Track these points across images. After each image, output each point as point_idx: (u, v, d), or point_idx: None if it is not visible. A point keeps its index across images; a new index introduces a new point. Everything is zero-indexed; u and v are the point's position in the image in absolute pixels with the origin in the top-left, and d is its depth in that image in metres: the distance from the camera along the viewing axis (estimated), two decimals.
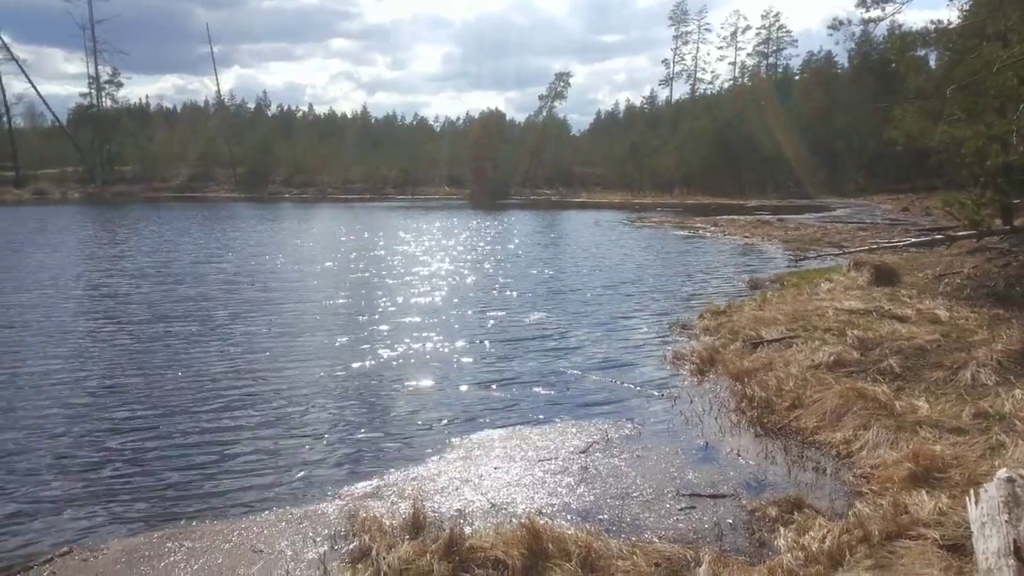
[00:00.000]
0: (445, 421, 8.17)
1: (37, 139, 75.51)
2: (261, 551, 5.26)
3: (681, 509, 5.86)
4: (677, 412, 8.31)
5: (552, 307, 14.94)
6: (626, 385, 9.42)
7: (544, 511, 5.75)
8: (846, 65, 76.28)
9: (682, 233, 33.86)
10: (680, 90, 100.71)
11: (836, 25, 16.95)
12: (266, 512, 5.93)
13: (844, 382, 8.03)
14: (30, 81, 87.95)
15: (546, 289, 17.40)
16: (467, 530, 5.27)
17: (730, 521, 5.62)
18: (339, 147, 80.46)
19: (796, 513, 5.51)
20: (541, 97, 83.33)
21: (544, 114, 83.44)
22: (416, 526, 5.37)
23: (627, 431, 7.73)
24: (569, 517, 5.70)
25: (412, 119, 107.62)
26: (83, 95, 71.65)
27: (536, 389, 9.31)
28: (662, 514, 5.78)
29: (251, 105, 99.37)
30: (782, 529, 5.27)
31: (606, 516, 5.74)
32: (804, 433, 7.33)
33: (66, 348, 11.33)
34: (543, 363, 10.61)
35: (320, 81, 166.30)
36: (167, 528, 5.72)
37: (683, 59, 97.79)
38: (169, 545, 5.39)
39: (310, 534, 5.50)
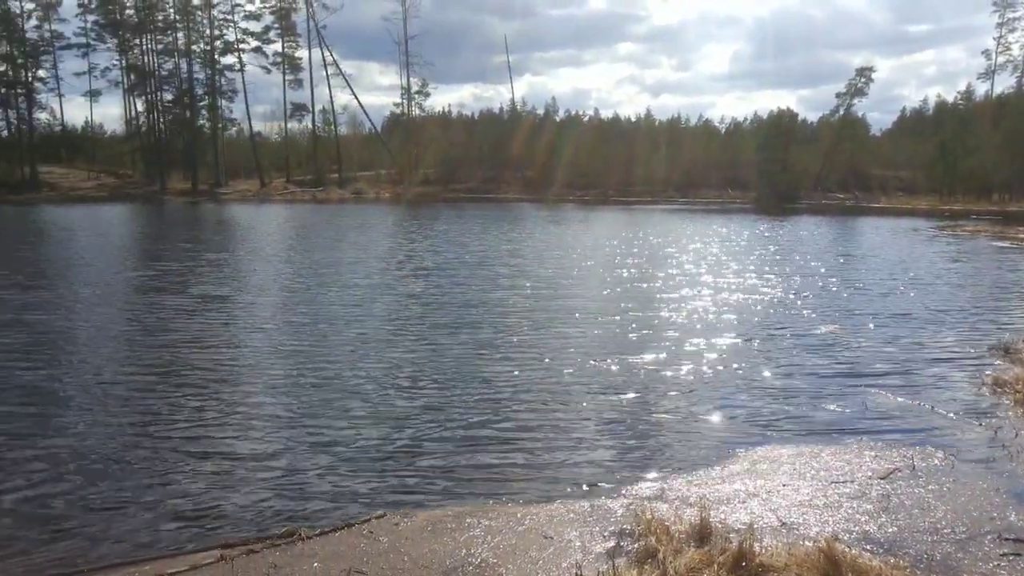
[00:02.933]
0: (730, 430, 8.00)
1: (357, 145, 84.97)
2: (551, 538, 5.51)
3: (1003, 555, 5.22)
4: (998, 445, 7.41)
5: (847, 320, 13.98)
6: (935, 410, 8.57)
7: (840, 537, 5.41)
8: None
9: (1002, 244, 30.03)
10: (1003, 83, 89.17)
11: None
12: (556, 502, 6.20)
13: None
14: (353, 93, 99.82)
15: (841, 301, 16.32)
16: (756, 546, 5.11)
17: None
18: (621, 150, 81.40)
19: None
20: (838, 95, 77.89)
21: (841, 113, 77.93)
22: (702, 535, 5.32)
23: (936, 460, 7.03)
24: (869, 547, 5.31)
25: (696, 121, 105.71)
26: (396, 104, 79.78)
27: (829, 405, 8.78)
28: (980, 558, 5.19)
29: (540, 111, 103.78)
30: None
31: (912, 552, 5.27)
32: None
33: (374, 344, 12.67)
34: (835, 378, 9.98)
35: (606, 85, 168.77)
36: (467, 505, 6.20)
37: (1008, 49, 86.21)
38: (469, 520, 5.83)
39: (596, 528, 5.66)
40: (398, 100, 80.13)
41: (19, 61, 70.51)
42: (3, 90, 70.36)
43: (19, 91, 70.87)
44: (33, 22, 71.44)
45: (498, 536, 5.55)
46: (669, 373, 10.24)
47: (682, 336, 12.52)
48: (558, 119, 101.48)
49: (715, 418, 8.40)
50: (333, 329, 12.83)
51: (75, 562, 5.27)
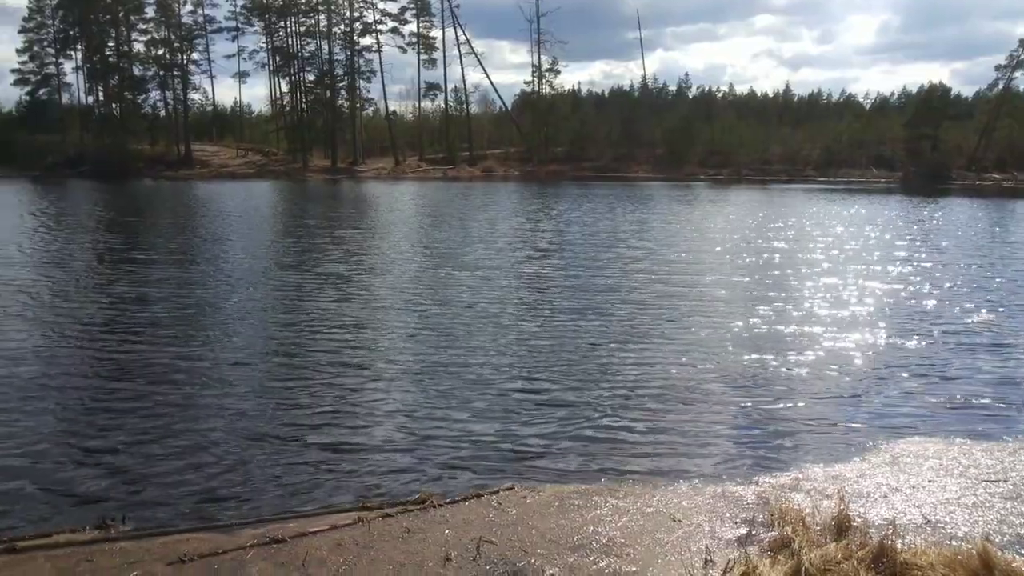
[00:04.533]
0: (871, 422, 7.65)
1: (487, 123, 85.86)
2: (679, 521, 5.45)
3: None
4: None
5: (1005, 312, 13.04)
6: None
7: (992, 539, 5.09)
8: None
9: None
10: None
11: None
12: (684, 484, 6.13)
13: None
14: (485, 72, 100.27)
15: (1000, 291, 15.22)
16: (898, 543, 4.87)
17: None
18: (757, 127, 78.55)
19: None
20: (997, 67, 71.94)
21: (1000, 87, 72.14)
22: (840, 527, 5.13)
23: None
24: None
25: (839, 96, 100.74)
26: (526, 83, 79.96)
27: (981, 399, 8.25)
28: None
29: (672, 87, 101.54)
30: None
31: None
32: None
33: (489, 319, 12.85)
34: (989, 372, 9.35)
35: (741, 60, 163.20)
36: (594, 483, 6.22)
37: None
38: (596, 499, 5.85)
39: (727, 515, 5.55)
40: (528, 78, 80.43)
41: (175, 45, 75.14)
42: (161, 73, 75.28)
43: (175, 73, 75.59)
44: (188, 8, 76.02)
45: (625, 516, 5.54)
46: (807, 362, 9.88)
47: (822, 325, 12.04)
48: (691, 95, 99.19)
49: (856, 409, 8.06)
50: (457, 310, 13.06)
51: (227, 516, 5.67)
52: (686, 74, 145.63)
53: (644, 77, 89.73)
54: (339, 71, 77.03)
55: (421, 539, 5.21)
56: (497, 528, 5.37)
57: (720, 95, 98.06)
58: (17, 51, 75.15)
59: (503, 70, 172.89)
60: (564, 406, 8.07)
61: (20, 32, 75.02)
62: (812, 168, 71.97)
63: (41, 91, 76.52)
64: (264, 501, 5.93)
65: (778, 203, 40.46)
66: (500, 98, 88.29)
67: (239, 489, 6.13)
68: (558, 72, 78.69)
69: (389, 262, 18.25)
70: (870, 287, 15.30)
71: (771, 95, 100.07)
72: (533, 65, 78.22)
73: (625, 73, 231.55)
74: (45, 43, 75.47)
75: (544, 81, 78.04)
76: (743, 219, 30.62)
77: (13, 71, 75.52)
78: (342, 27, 76.69)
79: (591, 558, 4.94)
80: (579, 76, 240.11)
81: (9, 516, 5.65)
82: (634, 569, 4.80)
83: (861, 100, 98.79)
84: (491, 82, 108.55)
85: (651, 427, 7.49)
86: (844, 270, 17.48)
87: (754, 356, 9.97)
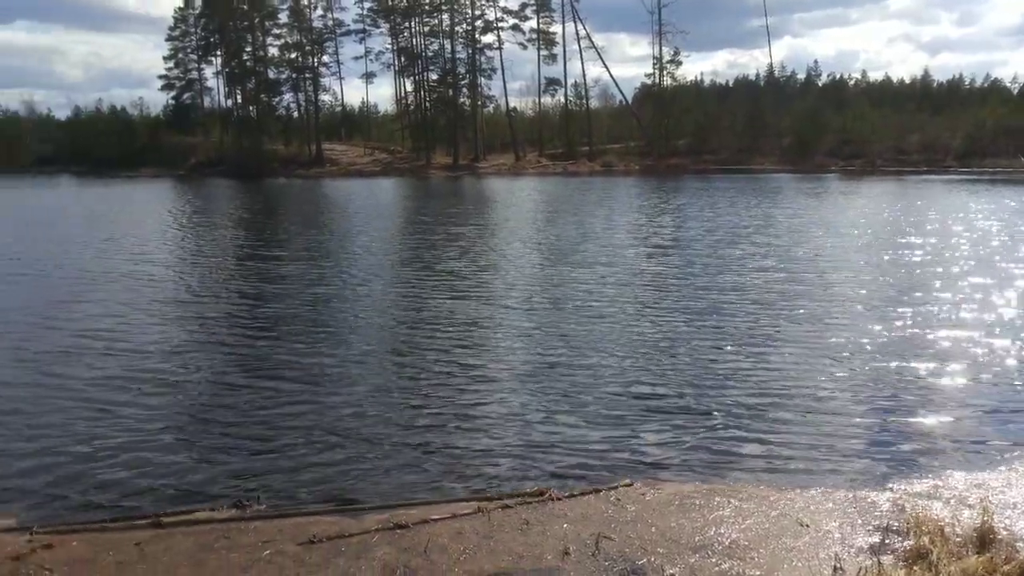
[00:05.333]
0: (1018, 431, 7.14)
1: (607, 117, 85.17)
2: (807, 526, 5.26)
3: None
4: None
5: None
6: None
7: None
8: None
9: None
10: None
11: None
12: (812, 488, 5.90)
13: None
14: (605, 66, 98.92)
15: None
16: None
17: None
18: (892, 115, 74.43)
19: None
20: None
21: None
22: (983, 539, 4.82)
23: None
24: None
25: (983, 81, 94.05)
26: (647, 75, 78.82)
27: None
28: None
29: (800, 76, 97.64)
30: None
31: None
32: None
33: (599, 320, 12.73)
34: None
35: (875, 46, 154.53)
36: (716, 483, 6.09)
37: None
38: (718, 499, 5.72)
39: (858, 521, 5.31)
40: (649, 70, 79.08)
41: (307, 49, 78.34)
42: (294, 76, 78.71)
43: (307, 76, 78.83)
44: (318, 12, 79.12)
45: (749, 518, 5.39)
46: (949, 368, 9.28)
47: (966, 328, 11.31)
48: (820, 84, 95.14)
49: (1002, 418, 7.54)
50: (572, 309, 12.95)
51: (352, 501, 5.90)
52: (815, 61, 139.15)
53: (770, 65, 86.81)
54: (461, 69, 78.34)
55: (540, 532, 5.25)
56: (616, 524, 5.33)
57: (852, 82, 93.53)
58: (164, 58, 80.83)
59: (623, 63, 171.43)
60: (682, 407, 7.92)
61: (166, 40, 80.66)
62: (953, 158, 67.60)
63: (185, 95, 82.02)
64: (386, 488, 6.13)
65: (915, 195, 38.23)
66: (620, 91, 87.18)
67: (363, 476, 6.37)
68: (680, 63, 77.25)
69: (505, 259, 18.42)
70: (1021, 287, 14.24)
71: (907, 81, 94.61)
72: (654, 57, 76.99)
73: (750, 62, 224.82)
74: (188, 50, 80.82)
75: (665, 73, 76.79)
76: (877, 212, 29.09)
77: (160, 77, 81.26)
78: (464, 26, 77.93)
79: (713, 560, 4.83)
80: (701, 67, 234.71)
81: (155, 494, 6.08)
82: (758, 573, 4.67)
83: (1008, 84, 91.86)
84: (611, 76, 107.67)
85: (776, 430, 7.24)
86: (991, 268, 16.30)
87: (890, 361, 9.40)
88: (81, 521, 5.54)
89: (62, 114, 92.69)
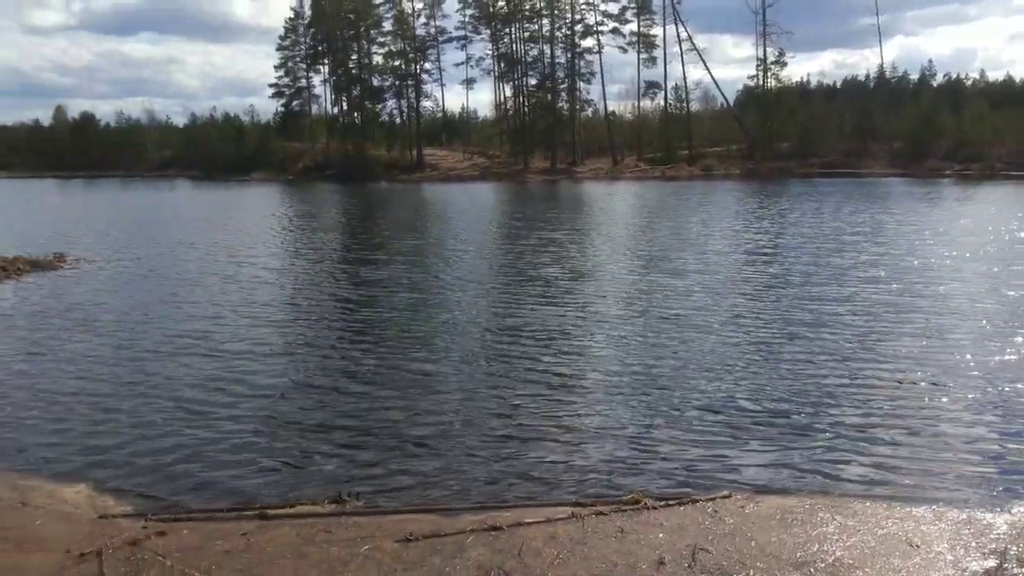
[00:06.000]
0: None
1: (708, 120, 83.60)
2: (917, 546, 5.02)
3: None
4: None
5: None
6: None
7: None
8: None
9: None
10: None
11: None
12: (922, 507, 5.64)
13: None
14: (707, 68, 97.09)
15: None
16: None
17: None
18: (1016, 117, 70.16)
19: None
20: None
21: None
22: None
23: None
24: None
25: None
26: (750, 77, 76.91)
27: None
28: None
29: (913, 76, 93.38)
30: None
31: None
32: None
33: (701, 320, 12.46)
34: None
35: (995, 44, 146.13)
36: (819, 498, 5.89)
37: None
38: (821, 515, 5.53)
39: (973, 544, 5.04)
40: (752, 72, 77.07)
41: (410, 56, 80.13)
42: (397, 83, 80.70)
43: (409, 83, 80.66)
44: (421, 20, 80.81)
45: (854, 536, 5.19)
46: None
47: None
48: (935, 84, 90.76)
49: None
50: (666, 318, 12.71)
51: (448, 501, 6.00)
52: (929, 61, 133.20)
53: (881, 65, 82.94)
54: (560, 74, 78.45)
55: (634, 540, 5.20)
56: (713, 536, 5.23)
57: (970, 83, 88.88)
58: (274, 67, 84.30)
59: (725, 65, 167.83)
60: (782, 420, 7.70)
61: (276, 49, 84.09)
62: None
63: (294, 103, 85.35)
64: (481, 490, 6.21)
65: None
66: (722, 94, 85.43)
67: (458, 476, 6.48)
68: (784, 64, 75.08)
69: (597, 266, 18.32)
70: None
71: None
72: (758, 58, 75.10)
73: (859, 62, 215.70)
74: (297, 59, 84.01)
75: (769, 74, 74.80)
76: (997, 220, 27.41)
77: (271, 85, 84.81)
78: (564, 30, 78.01)
79: None
80: (807, 67, 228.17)
81: (261, 488, 6.33)
82: None
83: None
84: (712, 78, 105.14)
85: (882, 447, 6.96)
86: None
87: (1009, 381, 8.82)
88: (192, 510, 5.83)
89: (179, 122, 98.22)
